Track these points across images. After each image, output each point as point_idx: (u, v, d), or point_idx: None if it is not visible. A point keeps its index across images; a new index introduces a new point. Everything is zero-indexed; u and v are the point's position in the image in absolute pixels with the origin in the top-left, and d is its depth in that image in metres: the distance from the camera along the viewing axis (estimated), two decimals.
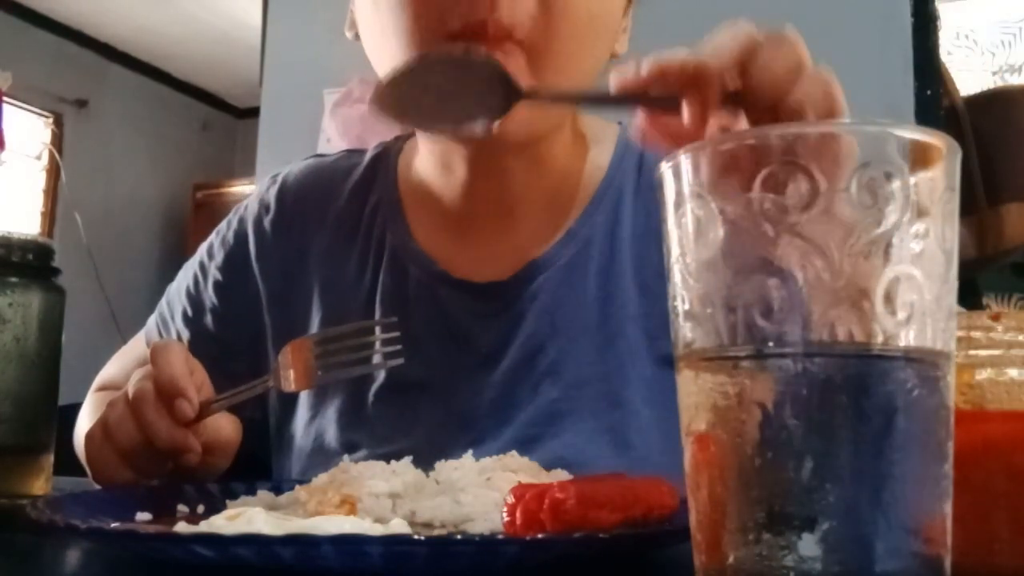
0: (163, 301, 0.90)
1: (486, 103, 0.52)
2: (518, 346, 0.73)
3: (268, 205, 0.85)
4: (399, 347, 0.65)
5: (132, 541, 0.45)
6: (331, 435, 0.76)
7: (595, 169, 0.78)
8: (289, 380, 0.64)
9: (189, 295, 0.86)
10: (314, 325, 0.80)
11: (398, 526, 0.46)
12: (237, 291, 0.84)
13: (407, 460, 0.57)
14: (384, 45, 0.69)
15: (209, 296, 0.85)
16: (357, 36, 0.75)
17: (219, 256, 0.86)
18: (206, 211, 4.71)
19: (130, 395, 0.64)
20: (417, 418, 0.74)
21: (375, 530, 0.44)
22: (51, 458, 0.63)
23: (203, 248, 0.89)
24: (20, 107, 4.07)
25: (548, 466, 0.57)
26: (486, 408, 0.73)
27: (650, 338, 0.72)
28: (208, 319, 0.85)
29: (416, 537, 0.41)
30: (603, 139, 0.80)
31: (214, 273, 0.85)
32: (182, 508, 0.57)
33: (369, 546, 0.38)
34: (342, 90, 2.31)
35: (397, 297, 0.77)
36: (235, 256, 0.85)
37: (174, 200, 4.90)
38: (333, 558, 0.38)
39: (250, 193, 0.92)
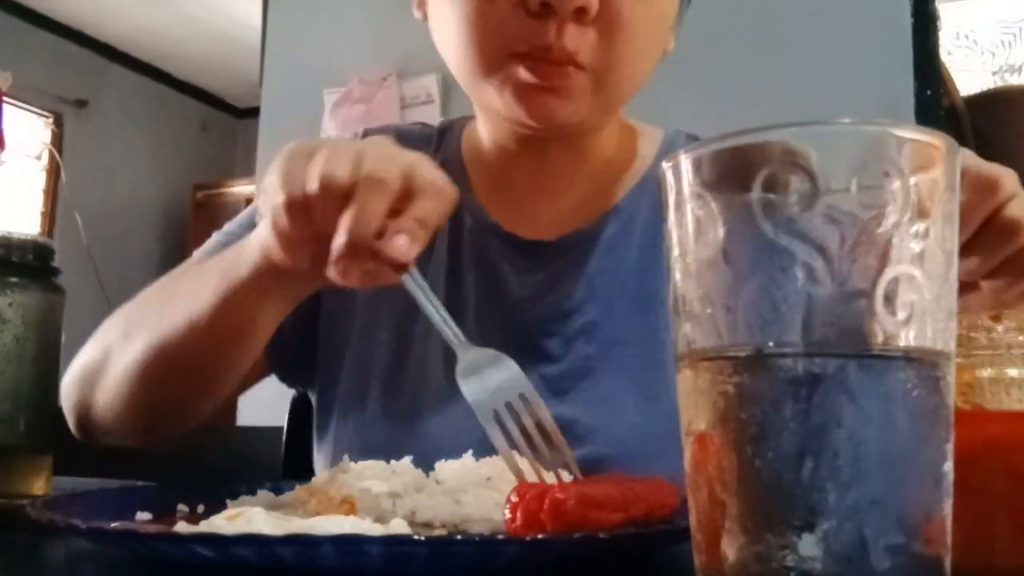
0: (212, 239, 0.86)
1: None
2: (551, 302, 0.76)
3: None
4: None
5: (132, 541, 0.45)
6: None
7: (642, 158, 0.83)
8: None
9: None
10: None
11: (398, 526, 0.46)
12: None
13: (407, 460, 0.57)
14: (453, 54, 0.72)
15: None
16: (425, 17, 0.77)
17: None
18: (206, 211, 4.71)
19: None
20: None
21: (375, 530, 0.44)
22: (51, 458, 0.63)
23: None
24: (20, 107, 4.08)
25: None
26: (512, 353, 0.72)
27: None
28: None
29: (416, 537, 0.41)
30: (649, 135, 0.85)
31: None
32: (182, 508, 0.56)
33: (369, 546, 0.38)
34: (342, 90, 2.31)
35: (452, 239, 0.80)
36: None
37: (174, 200, 4.90)
38: (333, 558, 0.38)
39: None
